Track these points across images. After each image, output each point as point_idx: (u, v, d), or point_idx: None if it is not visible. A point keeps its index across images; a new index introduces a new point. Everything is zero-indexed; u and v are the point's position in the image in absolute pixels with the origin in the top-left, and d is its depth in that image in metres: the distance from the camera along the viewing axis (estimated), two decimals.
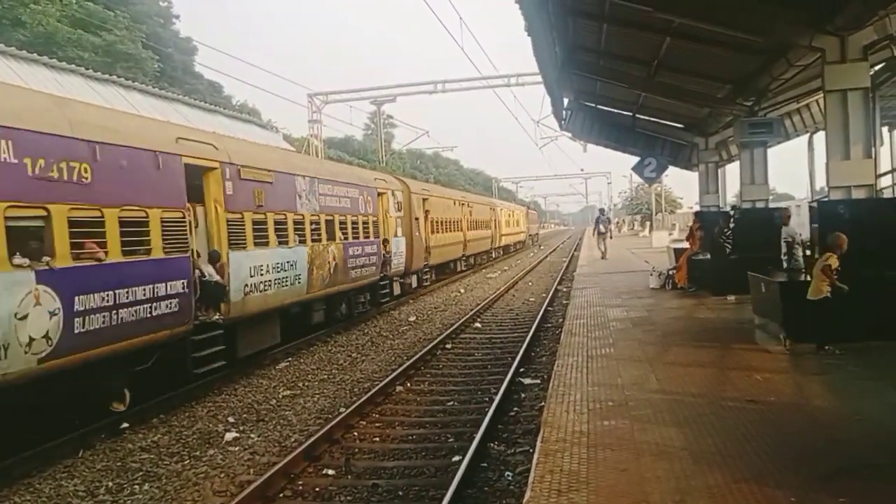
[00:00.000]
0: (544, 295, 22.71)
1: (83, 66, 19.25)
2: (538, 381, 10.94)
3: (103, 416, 9.23)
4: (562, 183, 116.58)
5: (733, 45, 13.59)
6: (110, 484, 7.42)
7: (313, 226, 14.81)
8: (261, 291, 12.49)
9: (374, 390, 10.48)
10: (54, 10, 34.23)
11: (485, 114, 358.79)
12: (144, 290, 9.39)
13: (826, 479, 4.85)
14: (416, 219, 24.05)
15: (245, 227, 12.11)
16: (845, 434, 5.75)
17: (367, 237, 18.40)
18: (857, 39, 10.42)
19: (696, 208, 25.36)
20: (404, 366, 12.17)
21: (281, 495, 7.03)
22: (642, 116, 22.22)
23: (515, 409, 9.70)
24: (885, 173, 16.05)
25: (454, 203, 32.14)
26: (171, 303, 9.92)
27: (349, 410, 9.41)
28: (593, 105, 22.84)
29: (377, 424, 9.34)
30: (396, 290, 21.73)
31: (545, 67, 15.70)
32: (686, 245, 17.64)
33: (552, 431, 6.25)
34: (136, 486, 7.34)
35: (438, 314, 19.85)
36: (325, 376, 12.19)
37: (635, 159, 22.97)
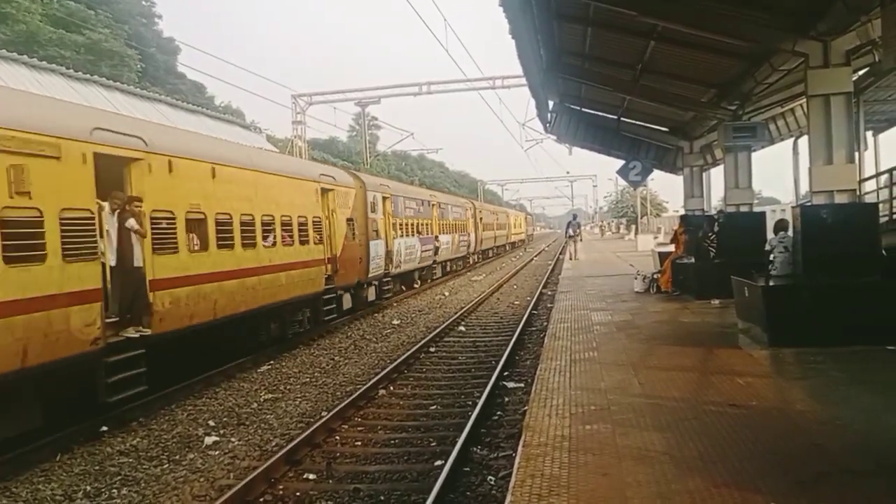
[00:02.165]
0: (529, 298, 22.72)
1: (66, 65, 19.08)
2: (522, 385, 10.92)
3: (82, 420, 9.10)
4: (547, 186, 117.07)
5: (718, 50, 13.67)
6: (88, 488, 7.31)
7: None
8: None
9: (356, 394, 10.40)
10: (36, 7, 33.93)
11: (470, 116, 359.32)
12: None
13: (806, 484, 4.84)
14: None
15: None
16: (826, 439, 5.75)
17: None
18: (840, 44, 10.50)
19: (682, 212, 25.49)
20: (387, 369, 12.11)
21: (261, 500, 6.95)
22: (627, 120, 22.31)
23: (499, 412, 9.66)
24: (869, 178, 16.20)
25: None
26: None
27: (331, 414, 9.33)
28: (578, 108, 22.90)
29: (359, 428, 9.27)
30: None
31: (530, 70, 15.71)
32: (671, 249, 17.70)
33: (534, 436, 6.21)
34: (115, 491, 7.23)
35: (422, 317, 19.79)
36: (308, 379, 12.10)
37: (621, 162, 23.05)
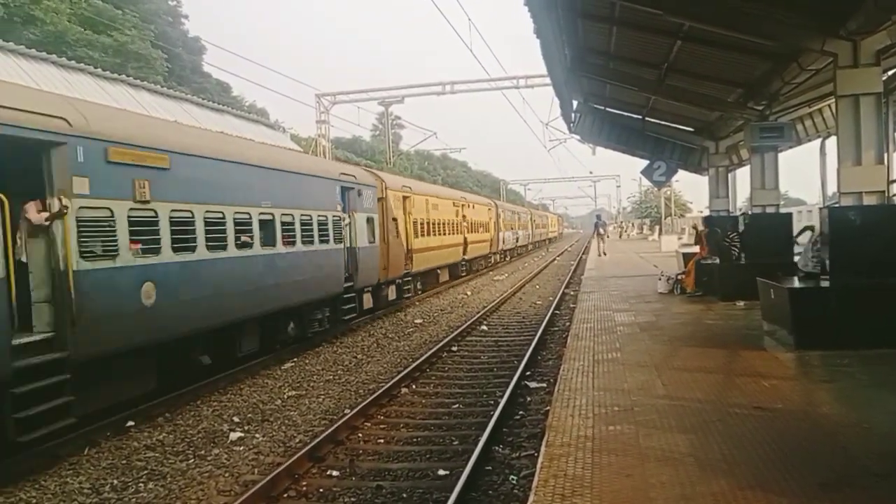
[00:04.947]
0: (551, 298, 22.67)
1: (94, 65, 19.36)
2: (544, 385, 10.91)
3: (110, 414, 9.27)
4: (570, 186, 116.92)
5: (745, 49, 13.53)
6: (115, 482, 7.44)
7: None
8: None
9: (378, 392, 10.47)
10: (64, 7, 34.44)
11: (493, 116, 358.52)
12: None
13: (831, 488, 4.80)
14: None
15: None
16: (851, 442, 5.69)
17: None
18: (869, 44, 10.35)
19: (706, 212, 25.25)
20: (409, 368, 12.17)
21: (285, 495, 7.03)
22: (652, 120, 22.16)
23: (521, 412, 9.67)
24: None
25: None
26: None
27: (354, 412, 9.41)
28: (602, 108, 22.79)
29: (382, 426, 9.33)
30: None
31: (554, 70, 15.68)
32: (695, 250, 17.55)
33: (557, 436, 6.21)
34: (141, 485, 7.35)
35: (444, 316, 19.83)
36: (331, 377, 12.19)
37: (645, 162, 22.90)
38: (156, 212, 9.71)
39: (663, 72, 16.32)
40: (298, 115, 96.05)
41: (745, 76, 15.67)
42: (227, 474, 7.57)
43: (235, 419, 9.70)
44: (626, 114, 22.75)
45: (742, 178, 23.64)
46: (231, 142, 13.75)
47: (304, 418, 9.68)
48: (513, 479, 7.16)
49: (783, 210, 18.98)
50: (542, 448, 6.03)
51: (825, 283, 9.78)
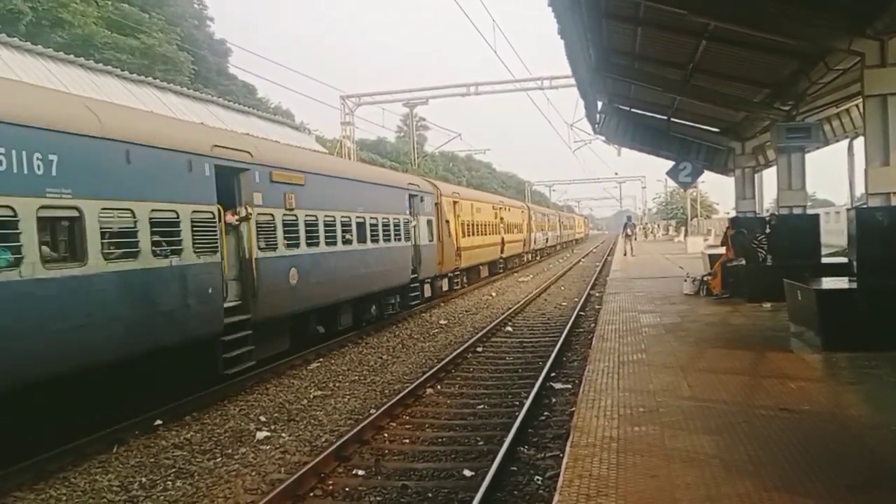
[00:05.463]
0: (576, 299, 22.62)
1: (121, 67, 19.69)
2: (569, 386, 10.91)
3: (137, 413, 9.45)
4: (595, 187, 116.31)
5: (771, 49, 13.40)
6: (144, 480, 7.57)
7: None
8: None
9: (404, 392, 10.55)
10: (91, 11, 35.02)
11: (518, 117, 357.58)
12: None
13: (859, 490, 4.77)
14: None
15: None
16: (879, 444, 5.64)
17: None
18: None
19: (732, 213, 24.99)
20: (435, 368, 12.23)
21: (311, 494, 7.12)
22: (677, 120, 21.99)
23: (546, 413, 9.68)
24: None
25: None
26: None
27: (379, 412, 9.48)
28: (627, 108, 22.68)
29: (407, 426, 9.40)
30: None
31: (578, 70, 15.64)
32: (722, 251, 17.41)
33: (582, 436, 6.22)
34: (169, 483, 7.47)
35: (469, 317, 19.87)
36: (356, 377, 12.30)
37: (670, 163, 22.73)
38: (296, 216, 13.02)
39: (689, 72, 16.21)
40: (323, 116, 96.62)
41: (772, 76, 15.51)
42: (253, 473, 7.68)
43: (262, 418, 9.82)
44: (651, 114, 22.61)
45: (769, 179, 23.37)
46: (338, 162, 19.61)
47: (330, 418, 9.77)
48: (538, 480, 7.18)
49: (810, 211, 18.73)
50: (567, 448, 6.05)
51: (853, 285, 9.68)
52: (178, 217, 9.72)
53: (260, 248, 11.65)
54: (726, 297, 15.57)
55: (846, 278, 10.27)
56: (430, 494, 6.97)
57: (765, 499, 4.70)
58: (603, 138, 27.59)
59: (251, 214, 11.47)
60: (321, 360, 13.81)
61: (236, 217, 11.33)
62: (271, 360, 12.63)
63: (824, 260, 14.97)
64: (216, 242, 10.49)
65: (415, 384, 11.07)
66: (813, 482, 4.92)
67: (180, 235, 9.74)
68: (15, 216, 7.20)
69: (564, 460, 5.81)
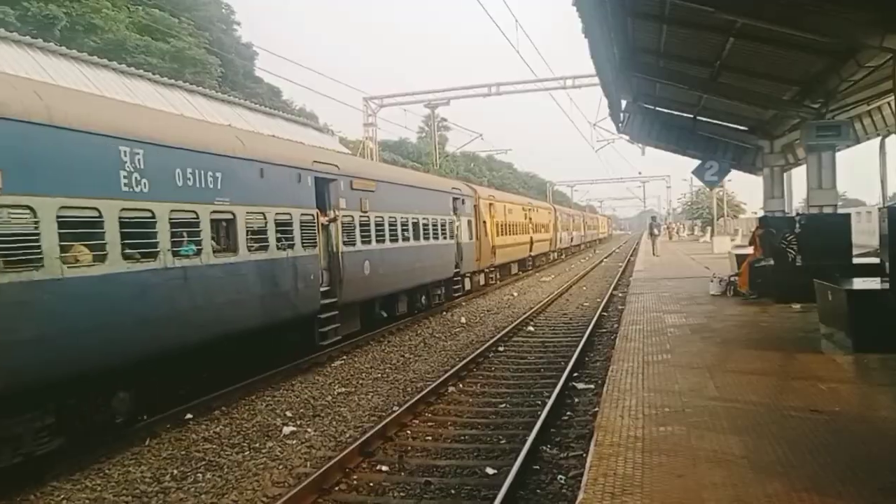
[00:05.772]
0: (599, 300, 22.49)
1: (152, 71, 19.95)
2: (592, 386, 10.86)
3: (169, 408, 9.62)
4: (618, 186, 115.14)
5: (800, 46, 13.18)
6: (175, 472, 7.72)
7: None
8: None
9: (426, 390, 10.58)
10: (123, 16, 35.58)
11: (539, 116, 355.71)
12: None
13: (890, 492, 4.68)
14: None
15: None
16: None
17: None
18: None
19: (760, 213, 24.64)
20: (457, 367, 12.24)
21: (337, 488, 7.18)
22: (704, 119, 21.72)
23: (568, 413, 9.65)
24: None
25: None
26: None
27: (402, 409, 9.54)
28: (652, 107, 22.44)
29: (430, 424, 9.43)
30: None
31: (602, 69, 15.50)
32: (749, 251, 17.19)
33: (606, 435, 6.19)
34: (199, 475, 7.60)
35: (491, 317, 19.86)
36: (379, 375, 12.35)
37: (696, 162, 22.47)
38: (369, 217, 15.52)
39: (716, 69, 16.01)
40: (346, 118, 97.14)
41: (801, 73, 15.27)
42: (280, 466, 7.77)
43: (288, 414, 9.92)
44: (676, 113, 22.35)
45: (798, 178, 22.98)
46: (398, 171, 23.15)
47: (354, 414, 9.84)
48: (561, 479, 7.17)
49: (841, 211, 18.42)
50: (592, 447, 6.02)
51: (885, 285, 9.51)
52: (291, 218, 12.18)
53: (344, 244, 14.14)
54: (754, 298, 15.38)
55: (878, 279, 10.08)
56: (452, 491, 7.00)
57: (794, 500, 4.64)
58: (627, 137, 27.32)
59: (338, 216, 13.95)
60: (345, 357, 13.90)
61: (327, 218, 13.67)
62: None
63: (856, 260, 14.70)
64: (315, 239, 13.01)
65: (437, 382, 11.10)
66: (843, 484, 4.85)
67: (293, 233, 12.22)
68: (197, 218, 9.65)
69: (589, 458, 5.79)
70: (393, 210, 17.03)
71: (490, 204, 28.78)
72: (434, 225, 20.25)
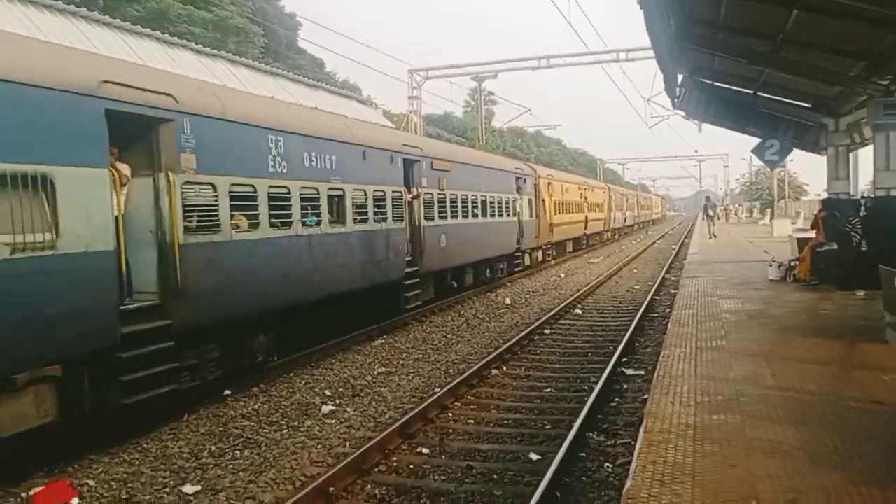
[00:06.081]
0: (650, 283, 21.93)
1: (194, 41, 20.03)
2: (641, 373, 10.52)
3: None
4: (672, 165, 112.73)
5: (868, 19, 12.40)
6: (213, 448, 7.71)
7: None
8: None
9: (469, 372, 10.38)
10: None
11: (590, 91, 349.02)
12: None
13: None
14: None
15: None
16: None
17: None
18: None
19: (824, 195, 23.62)
20: (500, 349, 12.02)
21: (376, 469, 7.08)
22: (764, 94, 20.82)
23: (616, 399, 9.35)
24: None
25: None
26: None
27: (444, 391, 9.37)
28: (709, 82, 21.60)
29: (472, 407, 9.25)
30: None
31: (658, 42, 14.89)
32: (811, 235, 16.47)
33: (656, 422, 5.93)
34: (237, 452, 7.58)
35: (536, 298, 19.55)
36: (420, 356, 12.22)
37: (755, 141, 21.60)
38: (445, 195, 17.15)
39: (778, 43, 15.25)
40: (390, 90, 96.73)
41: (869, 48, 14.40)
42: (319, 446, 7.70)
43: (327, 392, 9.86)
44: (735, 88, 21.46)
45: (865, 158, 21.86)
46: (470, 152, 24.85)
47: (394, 395, 9.72)
48: (608, 467, 6.91)
49: None
50: (641, 434, 5.79)
51: None
52: (385, 195, 13.80)
53: (425, 218, 15.75)
54: (815, 284, 14.74)
55: None
56: (495, 476, 6.82)
57: (852, 493, 4.39)
58: (682, 114, 26.48)
59: (420, 193, 15.62)
60: (385, 337, 13.81)
61: (411, 195, 15.26)
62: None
63: None
64: (402, 213, 14.62)
65: (480, 364, 10.89)
66: None
67: (386, 208, 13.85)
68: (317, 194, 11.44)
69: (637, 445, 5.57)
70: (465, 188, 18.66)
71: (549, 183, 29.84)
72: (499, 203, 21.82)
